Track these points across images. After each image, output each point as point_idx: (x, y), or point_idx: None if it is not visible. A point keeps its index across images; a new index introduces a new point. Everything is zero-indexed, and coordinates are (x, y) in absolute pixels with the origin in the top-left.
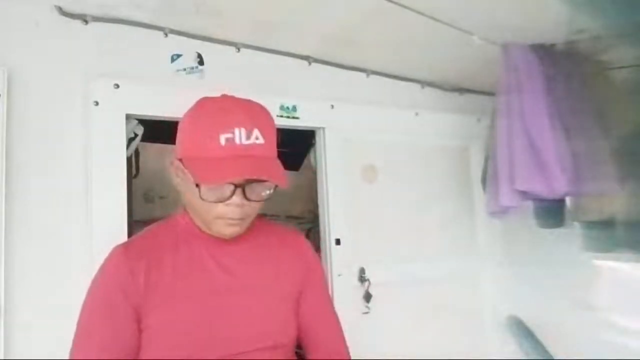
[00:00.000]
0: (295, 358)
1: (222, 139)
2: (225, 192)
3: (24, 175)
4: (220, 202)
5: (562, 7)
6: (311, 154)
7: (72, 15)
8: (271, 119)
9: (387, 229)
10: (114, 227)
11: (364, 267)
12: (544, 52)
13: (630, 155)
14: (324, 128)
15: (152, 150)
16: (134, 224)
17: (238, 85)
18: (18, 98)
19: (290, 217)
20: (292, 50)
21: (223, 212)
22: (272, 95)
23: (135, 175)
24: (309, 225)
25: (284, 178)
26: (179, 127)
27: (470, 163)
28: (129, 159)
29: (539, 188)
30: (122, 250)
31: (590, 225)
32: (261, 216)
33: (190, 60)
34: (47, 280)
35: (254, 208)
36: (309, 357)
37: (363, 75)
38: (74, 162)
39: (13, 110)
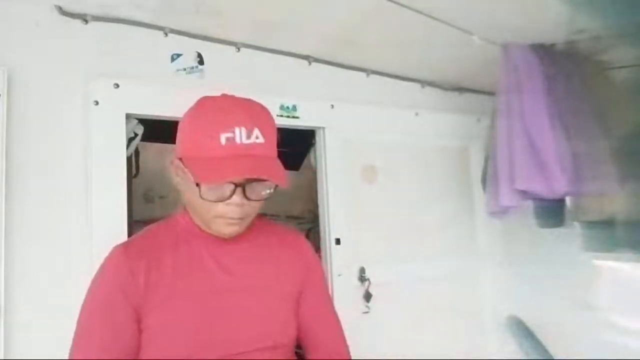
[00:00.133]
0: (295, 358)
1: (223, 138)
2: (226, 191)
3: (24, 175)
4: (221, 201)
5: (562, 7)
6: (311, 154)
7: (72, 15)
8: (271, 119)
9: (387, 229)
10: (114, 227)
11: (364, 267)
12: (544, 52)
13: (630, 155)
14: (324, 128)
15: (152, 150)
16: (134, 224)
17: (238, 85)
18: (18, 98)
19: (290, 217)
20: (292, 50)
21: (223, 212)
22: (272, 95)
23: (135, 175)
24: (309, 225)
25: (284, 178)
26: (179, 126)
27: (470, 163)
28: (129, 159)
29: (539, 188)
30: (122, 250)
31: (590, 225)
32: (261, 216)
33: (190, 60)
34: (47, 280)
35: (254, 207)
36: (309, 357)
37: (363, 75)
38: (74, 162)
39: (13, 110)
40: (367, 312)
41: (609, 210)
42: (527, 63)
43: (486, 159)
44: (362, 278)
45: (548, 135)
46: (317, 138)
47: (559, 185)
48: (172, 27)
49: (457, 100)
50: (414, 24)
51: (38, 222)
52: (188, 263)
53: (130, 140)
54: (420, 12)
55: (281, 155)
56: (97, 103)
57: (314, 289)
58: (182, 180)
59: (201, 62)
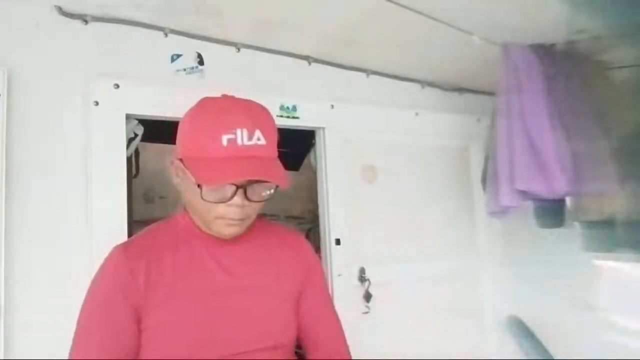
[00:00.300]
0: (295, 358)
1: (224, 139)
2: (227, 192)
3: (24, 175)
4: (222, 202)
5: (562, 7)
6: (311, 154)
7: (72, 15)
8: (272, 120)
9: (387, 229)
10: (114, 227)
11: (364, 267)
12: (544, 52)
13: (630, 155)
14: (324, 128)
15: (152, 150)
16: (134, 224)
17: (238, 85)
18: (18, 98)
19: (290, 217)
20: (292, 50)
21: (224, 213)
22: (272, 95)
23: (135, 175)
24: (309, 225)
25: (285, 179)
26: (180, 127)
27: (470, 163)
28: (129, 159)
29: (539, 188)
30: (122, 250)
31: (590, 225)
32: (261, 216)
33: (190, 60)
34: (47, 280)
35: (254, 208)
36: (309, 357)
37: (363, 75)
38: (74, 162)
39: (13, 110)
40: (367, 312)
41: (609, 210)
42: (527, 63)
43: (486, 159)
44: (362, 278)
45: (548, 135)
46: (317, 138)
47: (559, 185)
48: (172, 27)
49: (457, 100)
50: (414, 24)
51: (38, 222)
52: (188, 263)
53: (130, 141)
54: (420, 13)
55: (281, 156)
56: (97, 103)
57: (314, 289)
58: (182, 180)
59: (201, 62)
